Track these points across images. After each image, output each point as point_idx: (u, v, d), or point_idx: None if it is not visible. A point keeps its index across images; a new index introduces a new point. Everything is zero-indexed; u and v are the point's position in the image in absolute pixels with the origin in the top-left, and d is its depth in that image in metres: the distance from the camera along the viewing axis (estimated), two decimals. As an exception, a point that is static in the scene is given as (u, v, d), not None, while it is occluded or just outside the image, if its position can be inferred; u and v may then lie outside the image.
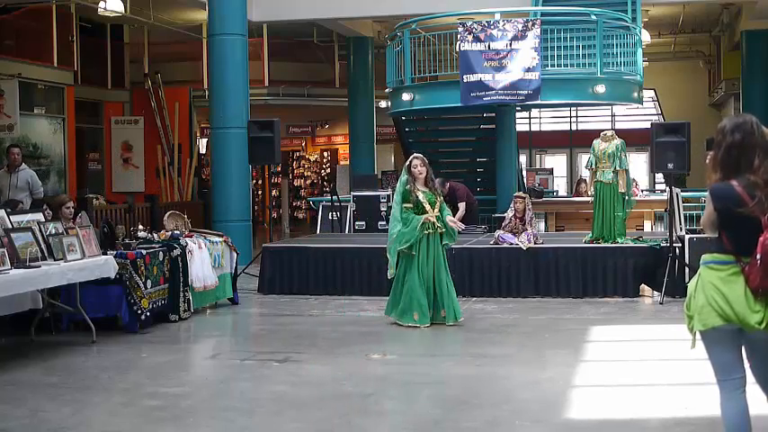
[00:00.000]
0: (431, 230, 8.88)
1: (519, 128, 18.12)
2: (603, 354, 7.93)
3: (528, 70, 13.25)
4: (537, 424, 5.64)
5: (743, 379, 4.12)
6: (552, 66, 13.90)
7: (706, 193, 4.14)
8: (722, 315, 3.99)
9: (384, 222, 13.96)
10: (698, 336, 4.13)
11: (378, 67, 20.31)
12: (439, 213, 8.92)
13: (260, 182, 26.02)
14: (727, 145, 4.03)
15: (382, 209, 14.08)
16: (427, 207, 8.89)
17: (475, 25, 13.44)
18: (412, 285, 8.85)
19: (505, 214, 11.25)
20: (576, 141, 26.66)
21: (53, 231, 8.28)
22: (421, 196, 8.91)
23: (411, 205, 8.93)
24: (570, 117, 27.78)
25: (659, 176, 20.61)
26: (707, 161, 4.13)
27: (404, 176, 9.02)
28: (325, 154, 28.93)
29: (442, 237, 8.97)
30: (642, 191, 17.94)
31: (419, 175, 8.95)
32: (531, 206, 11.15)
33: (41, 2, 17.38)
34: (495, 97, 13.45)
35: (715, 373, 4.16)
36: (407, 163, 9.07)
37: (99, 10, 16.62)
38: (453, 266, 10.85)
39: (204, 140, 23.51)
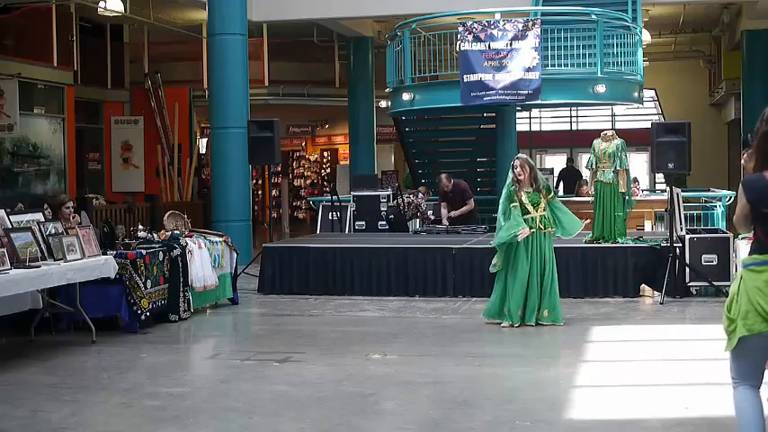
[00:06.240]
0: (533, 229, 8.81)
1: (519, 128, 18.11)
2: (604, 354, 7.93)
3: (528, 70, 13.25)
4: (537, 424, 5.63)
5: (759, 384, 4.07)
6: (552, 66, 13.90)
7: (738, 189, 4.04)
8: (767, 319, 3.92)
9: (384, 222, 13.99)
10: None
11: (378, 67, 20.30)
12: (543, 213, 8.89)
13: (260, 182, 26.01)
14: (764, 132, 3.96)
15: (382, 209, 14.07)
16: (530, 208, 8.83)
17: (475, 25, 13.44)
18: (511, 283, 8.82)
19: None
20: (576, 141, 26.65)
21: (53, 231, 8.28)
22: (524, 198, 8.83)
23: (517, 204, 8.85)
24: (570, 117, 27.78)
25: (659, 176, 20.59)
26: (742, 161, 4.06)
27: (509, 177, 8.96)
28: (326, 154, 28.93)
29: (545, 236, 8.90)
30: (642, 191, 17.93)
31: (519, 176, 8.86)
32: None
33: (41, 2, 17.37)
34: (495, 97, 13.45)
35: (733, 374, 4.10)
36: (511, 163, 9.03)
37: (99, 10, 16.63)
38: (453, 266, 10.95)
39: (204, 140, 23.52)
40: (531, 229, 8.80)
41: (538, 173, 9.06)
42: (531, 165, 9.02)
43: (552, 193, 9.13)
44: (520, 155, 9.20)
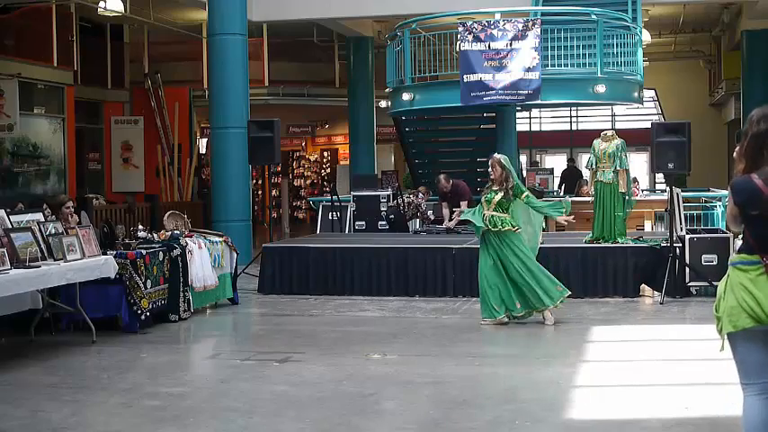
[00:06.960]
0: (490, 228, 8.84)
1: (519, 128, 18.12)
2: (604, 354, 7.93)
3: (528, 70, 13.25)
4: (538, 424, 5.63)
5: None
6: (552, 66, 13.90)
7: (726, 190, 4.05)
8: (753, 316, 3.92)
9: (384, 222, 13.99)
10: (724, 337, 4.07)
11: (378, 67, 20.30)
12: (494, 213, 8.81)
13: (260, 182, 26.02)
14: (753, 134, 3.96)
15: (382, 209, 14.08)
16: (484, 205, 8.92)
17: (475, 25, 13.44)
18: (480, 280, 8.98)
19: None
20: (576, 141, 26.67)
21: (53, 231, 8.27)
22: (485, 195, 8.98)
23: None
24: (570, 117, 27.79)
25: (659, 176, 20.59)
26: (734, 154, 4.05)
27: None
28: (326, 154, 28.93)
29: (506, 235, 8.82)
30: (642, 191, 17.93)
31: (490, 175, 9.00)
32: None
33: (41, 2, 17.38)
34: (495, 97, 13.45)
35: (740, 376, 4.08)
36: None
37: (99, 10, 16.62)
38: (454, 266, 10.93)
39: (204, 140, 23.52)
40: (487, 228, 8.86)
41: (511, 175, 8.93)
42: (503, 165, 8.88)
43: (525, 193, 8.97)
44: (495, 154, 9.15)
